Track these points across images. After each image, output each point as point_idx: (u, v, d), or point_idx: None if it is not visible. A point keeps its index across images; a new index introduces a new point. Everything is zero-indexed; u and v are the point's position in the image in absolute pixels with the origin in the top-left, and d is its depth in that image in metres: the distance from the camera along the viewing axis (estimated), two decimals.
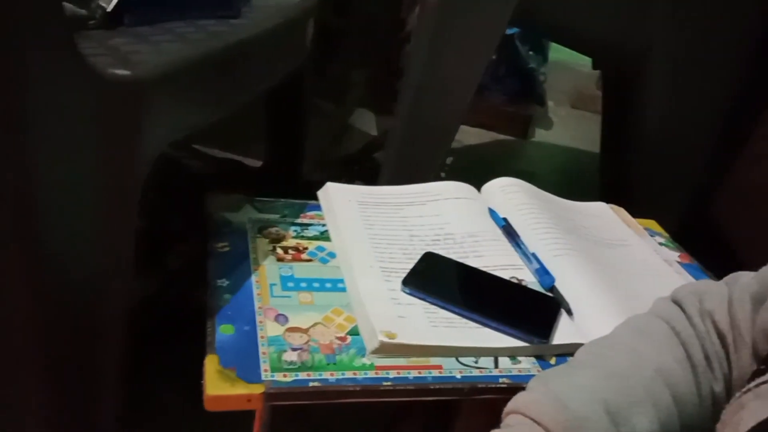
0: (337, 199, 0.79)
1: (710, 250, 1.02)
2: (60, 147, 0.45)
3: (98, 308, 0.51)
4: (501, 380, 0.59)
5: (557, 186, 1.58)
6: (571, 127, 1.95)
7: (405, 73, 1.05)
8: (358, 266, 0.67)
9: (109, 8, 0.63)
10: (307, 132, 1.12)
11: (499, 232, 0.78)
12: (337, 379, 0.55)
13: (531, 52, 1.78)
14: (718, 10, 0.93)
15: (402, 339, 0.59)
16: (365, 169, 1.36)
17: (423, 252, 0.72)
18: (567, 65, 2.13)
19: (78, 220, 0.48)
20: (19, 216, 0.44)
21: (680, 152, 1.05)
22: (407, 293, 0.64)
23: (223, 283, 0.62)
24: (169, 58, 0.52)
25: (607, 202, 1.04)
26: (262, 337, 0.57)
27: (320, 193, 0.81)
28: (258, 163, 1.13)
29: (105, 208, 0.49)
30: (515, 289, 0.68)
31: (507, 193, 0.86)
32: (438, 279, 0.66)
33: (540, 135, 1.85)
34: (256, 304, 0.61)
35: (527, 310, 0.64)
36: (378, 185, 1.12)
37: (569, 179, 1.67)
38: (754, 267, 0.99)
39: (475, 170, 1.57)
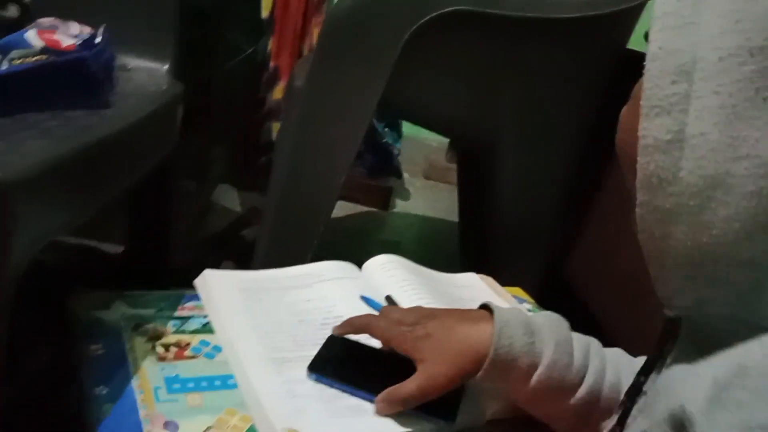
0: (217, 288, 0.75)
1: (570, 309, 1.10)
2: None
3: None
4: None
5: (421, 254, 1.63)
6: (426, 197, 2.04)
7: (275, 155, 1.05)
8: (246, 360, 0.64)
9: None
10: (170, 212, 1.08)
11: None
12: None
13: (386, 129, 1.86)
14: (558, 95, 1.03)
15: None
16: (234, 248, 1.32)
17: (313, 338, 0.71)
18: (419, 140, 2.25)
19: None
20: None
21: (532, 220, 1.13)
22: (314, 380, 0.62)
23: (102, 391, 0.57)
24: (35, 158, 0.48)
25: (470, 269, 1.10)
26: None
27: (197, 282, 0.77)
28: (119, 249, 1.06)
29: None
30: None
31: (387, 270, 0.88)
32: (344, 363, 0.64)
33: (400, 205, 1.92)
34: (141, 412, 0.56)
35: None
36: (251, 265, 1.11)
37: (431, 247, 1.73)
38: (609, 324, 1.07)
39: (342, 242, 1.58)
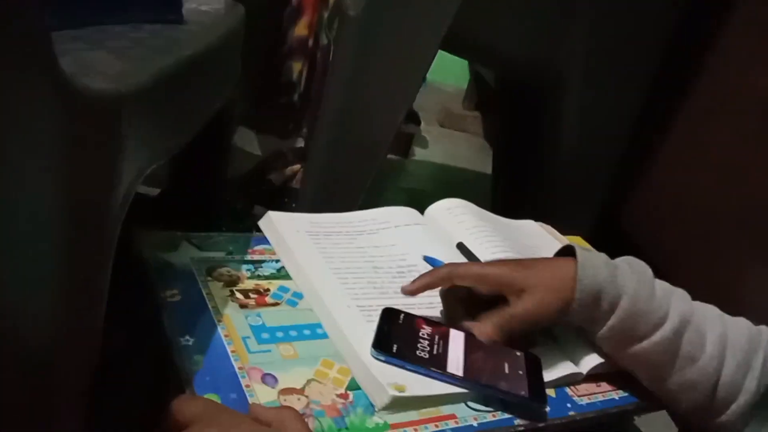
0: (285, 230, 0.69)
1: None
2: (21, 173, 0.33)
3: (58, 376, 0.39)
4: (516, 423, 0.54)
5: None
6: (444, 146, 1.98)
7: (325, 91, 0.97)
8: (335, 310, 0.59)
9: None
10: (213, 154, 1.01)
11: (459, 258, 0.74)
12: None
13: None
14: (629, 33, 0.97)
15: (413, 391, 0.52)
16: (262, 192, 1.25)
17: (391, 286, 0.66)
18: (433, 86, 2.17)
19: (39, 271, 0.36)
20: None
21: (591, 165, 1.08)
22: (382, 361, 0.54)
23: (188, 341, 0.51)
24: (144, 69, 0.41)
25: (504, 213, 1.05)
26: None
27: (263, 224, 0.71)
28: (154, 191, 0.99)
29: (75, 254, 0.37)
30: (490, 348, 0.59)
31: (455, 215, 0.82)
32: (408, 339, 0.56)
33: (419, 153, 1.85)
34: (235, 365, 0.50)
35: (511, 371, 0.57)
36: (294, 210, 1.04)
37: (455, 196, 1.67)
38: (670, 272, 1.03)
39: (368, 189, 1.52)
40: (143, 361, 0.57)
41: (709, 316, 0.60)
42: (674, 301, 0.59)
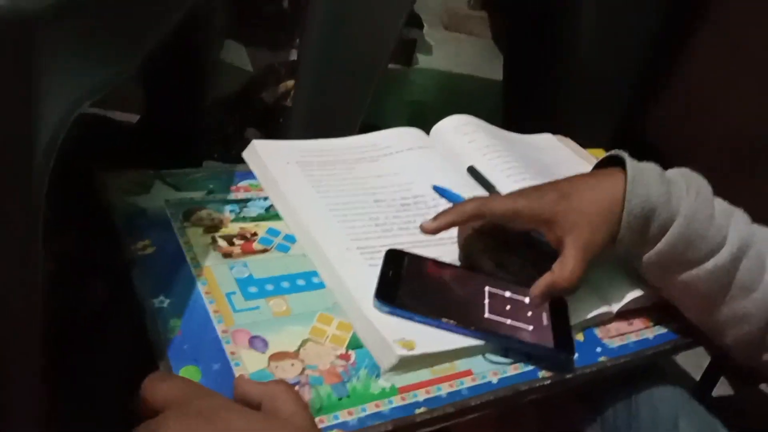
0: (273, 161, 0.61)
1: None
2: None
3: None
4: (541, 375, 0.48)
5: (452, 112, 1.49)
6: (448, 51, 1.84)
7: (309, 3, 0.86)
8: (332, 254, 0.51)
9: None
10: (186, 71, 0.91)
11: (468, 188, 0.66)
12: (360, 419, 0.41)
13: None
14: None
15: (423, 348, 0.45)
16: (253, 112, 1.16)
17: (395, 221, 0.58)
18: None
19: None
20: None
21: (611, 75, 0.98)
22: (386, 312, 0.47)
23: (162, 303, 0.44)
24: None
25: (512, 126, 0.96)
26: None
27: (247, 156, 0.63)
28: (132, 117, 0.90)
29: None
30: (510, 287, 0.52)
31: (464, 134, 0.73)
32: (417, 289, 0.49)
33: (423, 61, 1.73)
34: (218, 328, 0.44)
35: (535, 317, 0.50)
36: (287, 134, 0.95)
37: (461, 106, 1.57)
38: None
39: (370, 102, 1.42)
40: (122, 323, 0.51)
41: None
42: (734, 223, 0.51)
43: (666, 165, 1.00)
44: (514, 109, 1.23)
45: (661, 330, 0.56)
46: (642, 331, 0.56)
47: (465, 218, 0.52)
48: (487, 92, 1.47)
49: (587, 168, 0.77)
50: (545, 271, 0.51)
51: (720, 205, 0.52)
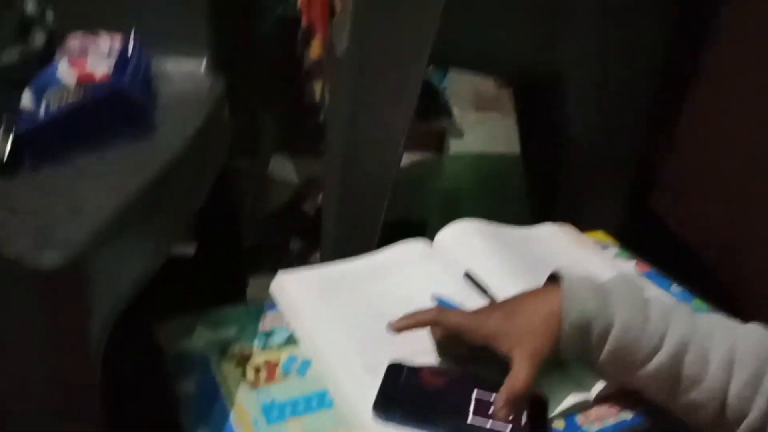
0: (294, 292, 0.73)
1: (661, 244, 1.04)
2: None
3: None
4: None
5: (484, 199, 1.59)
6: (480, 131, 1.96)
7: (326, 126, 1.00)
8: (339, 374, 0.62)
9: (5, 157, 0.55)
10: (237, 197, 1.06)
11: (465, 293, 0.75)
12: None
13: (430, 69, 1.77)
14: (629, 13, 0.94)
15: None
16: (298, 223, 1.30)
17: (400, 335, 0.68)
18: (464, 75, 2.14)
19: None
20: None
21: (610, 151, 1.05)
22: (382, 421, 0.56)
23: None
24: (100, 219, 0.45)
25: (540, 211, 1.04)
26: None
27: (274, 289, 0.75)
28: (191, 249, 1.05)
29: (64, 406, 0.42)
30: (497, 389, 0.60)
31: (461, 242, 0.84)
32: (411, 398, 0.58)
33: (455, 146, 1.85)
34: None
35: (514, 415, 0.58)
36: (320, 241, 1.08)
37: (493, 188, 1.67)
38: (697, 259, 0.99)
39: (402, 196, 1.54)
40: None
41: (715, 331, 0.58)
42: (673, 322, 0.58)
43: (668, 231, 1.06)
44: (533, 189, 1.32)
45: (640, 410, 0.63)
46: (621, 413, 0.62)
47: (422, 324, 0.62)
48: (515, 170, 1.56)
49: (582, 256, 0.86)
50: None
51: (659, 305, 0.59)
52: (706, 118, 1.01)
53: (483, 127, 1.99)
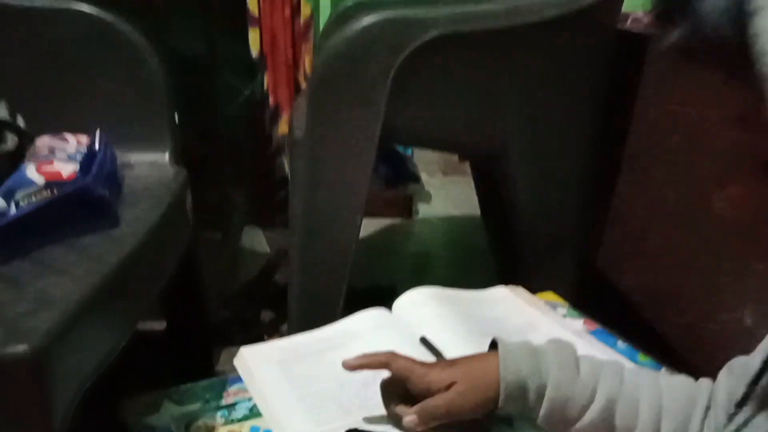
0: (256, 365, 0.77)
1: (608, 300, 1.10)
2: None
3: None
4: None
5: (451, 260, 1.65)
6: (448, 195, 2.04)
7: (290, 202, 1.06)
8: None
9: None
10: (202, 274, 1.10)
11: (421, 356, 0.79)
12: None
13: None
14: (559, 92, 1.02)
15: None
16: (269, 295, 1.34)
17: (357, 401, 0.72)
18: None
19: None
20: None
21: (554, 220, 1.12)
22: None
23: None
24: (63, 310, 0.50)
25: (503, 272, 1.10)
26: None
27: (237, 363, 0.79)
28: (161, 325, 1.08)
29: None
30: None
31: (417, 308, 0.89)
32: None
33: (423, 209, 1.92)
34: None
35: None
36: (288, 311, 1.12)
37: (460, 249, 1.74)
38: (643, 312, 1.05)
39: (372, 260, 1.59)
40: None
41: (642, 384, 0.63)
42: (602, 378, 0.63)
43: (612, 289, 1.12)
44: (495, 250, 1.39)
45: None
46: None
47: (374, 364, 0.67)
48: (481, 231, 1.63)
49: (532, 317, 0.91)
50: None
51: (588, 363, 0.64)
52: (638, 183, 1.09)
53: (450, 190, 2.07)
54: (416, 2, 1.13)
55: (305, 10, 1.66)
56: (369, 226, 1.76)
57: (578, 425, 0.62)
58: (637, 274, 1.10)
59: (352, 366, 0.68)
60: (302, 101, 1.16)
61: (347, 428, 0.67)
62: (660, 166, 1.02)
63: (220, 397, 0.73)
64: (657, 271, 1.03)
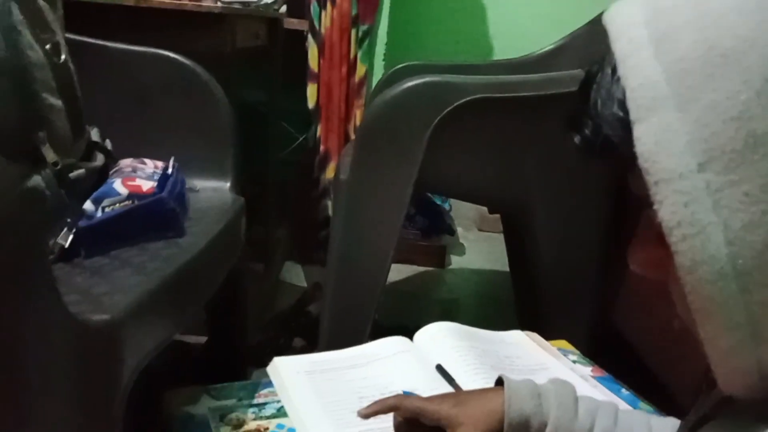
0: (286, 373, 0.87)
1: (621, 356, 1.16)
2: (48, 388, 0.52)
3: None
4: None
5: (478, 310, 1.73)
6: (481, 250, 2.12)
7: (330, 237, 1.17)
8: None
9: (67, 244, 0.72)
10: (245, 297, 1.21)
11: (436, 383, 0.88)
12: None
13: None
14: (575, 163, 1.12)
15: None
16: (302, 324, 1.44)
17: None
18: None
19: None
20: None
21: (573, 272, 1.20)
22: None
23: None
24: (135, 295, 0.61)
25: (524, 321, 1.17)
26: None
27: (269, 370, 0.88)
28: (202, 339, 1.19)
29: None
30: None
31: (437, 339, 0.97)
32: None
33: (455, 261, 2.00)
34: None
35: None
36: (319, 339, 1.22)
37: (487, 301, 1.81)
38: (659, 368, 1.10)
39: (402, 304, 1.68)
40: None
41: (634, 424, 0.70)
42: (599, 418, 0.69)
43: (626, 346, 1.17)
44: (520, 303, 1.46)
45: None
46: None
47: (386, 409, 0.74)
48: (509, 285, 1.70)
49: (542, 359, 0.99)
50: None
51: (586, 404, 0.70)
52: None
53: (483, 245, 2.15)
54: (460, 71, 1.26)
55: (360, 70, 1.81)
56: (402, 272, 1.85)
57: None
58: (644, 331, 1.16)
59: (365, 414, 0.73)
60: (350, 148, 1.29)
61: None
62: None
63: (252, 396, 0.83)
64: (663, 330, 1.09)
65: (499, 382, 0.76)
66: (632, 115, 0.39)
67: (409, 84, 1.07)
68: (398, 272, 1.83)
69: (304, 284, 1.71)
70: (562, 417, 0.68)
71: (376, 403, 0.75)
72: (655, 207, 0.39)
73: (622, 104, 0.40)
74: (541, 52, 1.50)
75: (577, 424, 0.68)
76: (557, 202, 1.14)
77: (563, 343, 1.08)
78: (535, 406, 0.69)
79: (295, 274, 1.76)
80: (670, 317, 1.02)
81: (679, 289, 0.43)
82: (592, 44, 1.18)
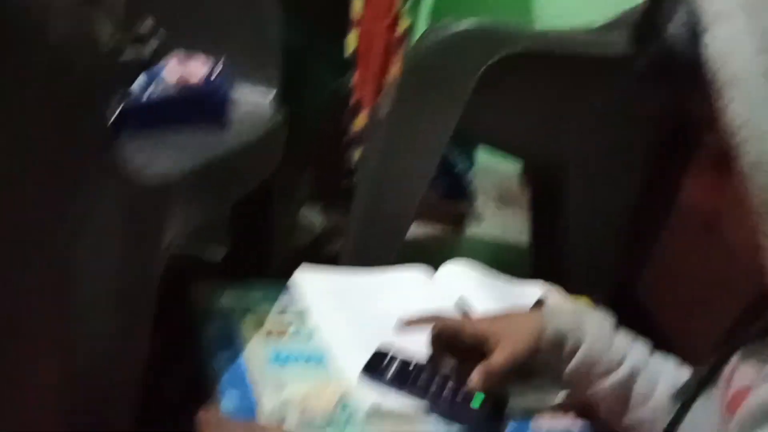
0: (311, 284, 0.87)
1: (641, 330, 1.15)
2: (95, 244, 0.52)
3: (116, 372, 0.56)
4: None
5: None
6: (498, 223, 2.11)
7: (358, 175, 1.16)
8: (339, 346, 0.75)
9: (112, 119, 0.72)
10: (267, 224, 1.21)
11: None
12: None
13: (460, 156, 1.96)
14: (621, 120, 1.11)
15: (389, 405, 0.66)
16: (318, 261, 1.44)
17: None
18: (492, 168, 2.33)
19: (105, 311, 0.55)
20: (57, 303, 0.50)
21: (600, 238, 1.20)
22: (368, 380, 0.69)
23: (218, 363, 0.69)
24: (179, 169, 0.61)
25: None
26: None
27: (296, 273, 0.88)
28: (221, 252, 1.19)
29: (129, 296, 0.56)
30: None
31: (462, 274, 0.97)
32: (396, 370, 0.70)
33: (474, 229, 2.00)
34: (248, 378, 0.67)
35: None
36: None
37: (499, 265, 1.80)
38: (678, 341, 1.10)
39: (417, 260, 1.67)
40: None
41: (665, 367, 0.70)
42: (632, 352, 0.69)
43: (647, 319, 1.17)
44: (536, 267, 1.46)
45: (585, 424, 0.73)
46: (569, 424, 0.73)
47: (429, 321, 0.74)
48: (524, 257, 1.69)
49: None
50: None
51: (621, 337, 0.70)
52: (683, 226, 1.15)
53: (500, 219, 2.15)
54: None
55: (403, 24, 1.79)
56: (419, 231, 1.85)
57: (599, 386, 0.68)
58: (670, 305, 1.15)
59: (410, 324, 0.75)
60: (390, 89, 1.28)
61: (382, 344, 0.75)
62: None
63: (278, 295, 0.83)
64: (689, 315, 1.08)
65: (538, 304, 0.76)
66: (704, 21, 0.41)
67: (463, 26, 1.06)
68: (415, 230, 1.82)
69: (323, 225, 1.71)
70: (596, 343, 0.69)
71: (421, 318, 0.75)
72: (721, 109, 0.41)
73: (692, 14, 0.42)
74: (597, 25, 1.48)
75: (608, 354, 0.69)
76: (593, 169, 1.13)
77: (584, 299, 1.07)
78: (572, 327, 0.69)
79: (314, 217, 1.76)
80: (698, 281, 1.01)
81: (736, 213, 0.44)
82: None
